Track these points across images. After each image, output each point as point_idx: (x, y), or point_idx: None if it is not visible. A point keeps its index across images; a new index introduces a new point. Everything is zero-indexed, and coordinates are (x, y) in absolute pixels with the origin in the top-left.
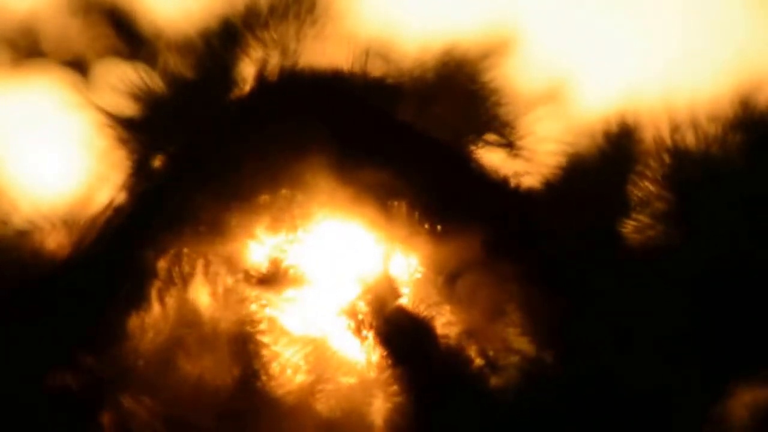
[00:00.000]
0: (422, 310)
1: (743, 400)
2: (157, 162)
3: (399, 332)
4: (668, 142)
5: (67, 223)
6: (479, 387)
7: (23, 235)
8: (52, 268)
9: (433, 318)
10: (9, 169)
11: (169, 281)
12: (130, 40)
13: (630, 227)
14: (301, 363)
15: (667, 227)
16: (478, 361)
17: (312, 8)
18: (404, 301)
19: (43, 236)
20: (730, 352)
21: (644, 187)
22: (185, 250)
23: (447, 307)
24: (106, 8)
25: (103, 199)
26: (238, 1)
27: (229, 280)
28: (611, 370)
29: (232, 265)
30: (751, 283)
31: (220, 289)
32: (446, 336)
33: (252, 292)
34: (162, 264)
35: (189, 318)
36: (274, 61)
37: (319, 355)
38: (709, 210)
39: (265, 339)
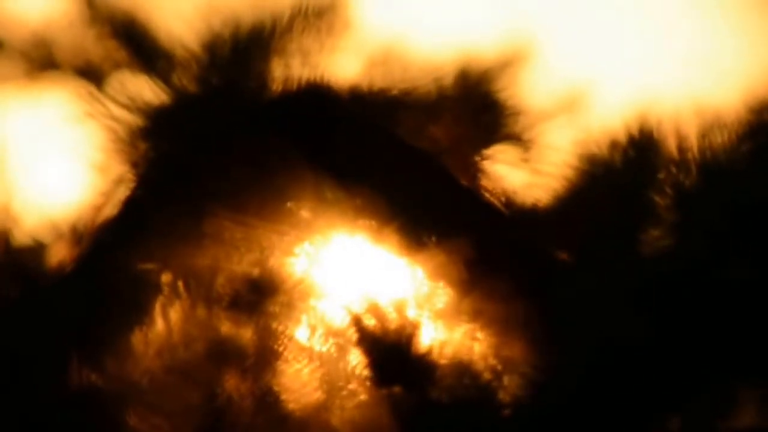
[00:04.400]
0: (423, 325)
1: (747, 409)
2: (162, 175)
3: (400, 347)
4: (680, 153)
5: (72, 235)
6: (484, 401)
7: (28, 247)
8: (55, 281)
9: (435, 332)
10: (18, 181)
11: (173, 295)
12: (142, 52)
13: (641, 238)
14: (306, 379)
15: (676, 238)
16: (482, 375)
17: (320, 21)
18: (405, 316)
19: (48, 248)
20: (737, 361)
21: (655, 197)
22: (188, 264)
23: (451, 322)
24: (118, 20)
25: (109, 211)
26: (245, 16)
27: (231, 295)
28: (615, 379)
29: (234, 279)
30: (757, 292)
31: (223, 304)
32: (449, 350)
33: (255, 307)
34: (165, 278)
35: (192, 332)
36: (279, 75)
37: (323, 370)
38: (718, 219)
39: (268, 354)
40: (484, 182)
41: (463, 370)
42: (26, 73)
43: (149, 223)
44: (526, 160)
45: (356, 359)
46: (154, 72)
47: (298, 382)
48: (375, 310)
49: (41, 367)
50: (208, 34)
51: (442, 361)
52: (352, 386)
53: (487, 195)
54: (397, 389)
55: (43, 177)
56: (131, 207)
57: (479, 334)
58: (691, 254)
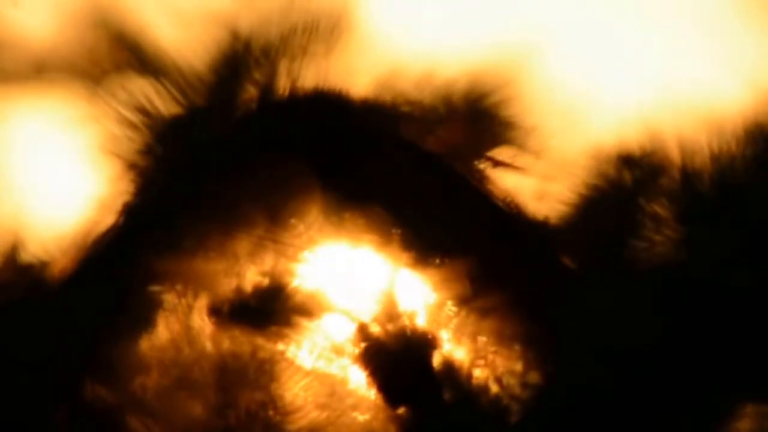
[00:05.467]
0: (428, 339)
1: (746, 421)
2: (162, 186)
3: (404, 362)
4: (687, 160)
5: (74, 243)
6: (487, 414)
7: (29, 262)
8: (54, 294)
9: (439, 346)
10: (20, 191)
11: (173, 310)
12: (147, 60)
13: (641, 247)
14: (306, 396)
15: (677, 247)
16: (486, 389)
17: (320, 32)
18: (409, 329)
19: (50, 257)
20: (734, 373)
21: (656, 208)
22: (188, 278)
23: (453, 335)
24: (124, 27)
25: (108, 222)
26: (245, 25)
27: (232, 310)
28: (614, 390)
29: (235, 294)
30: (757, 303)
31: (223, 319)
32: (453, 365)
33: (254, 322)
34: (165, 292)
35: (192, 347)
36: (280, 86)
37: (324, 387)
38: (720, 230)
39: (268, 371)
40: (491, 189)
41: (471, 383)
42: (28, 78)
43: (151, 232)
44: (531, 170)
45: (363, 374)
46: (159, 80)
47: (303, 397)
48: (383, 323)
49: (42, 375)
50: (215, 43)
51: (451, 376)
52: (358, 402)
53: (497, 201)
54: (404, 404)
55: (45, 184)
56: (133, 216)
57: (487, 346)
58: (696, 263)
